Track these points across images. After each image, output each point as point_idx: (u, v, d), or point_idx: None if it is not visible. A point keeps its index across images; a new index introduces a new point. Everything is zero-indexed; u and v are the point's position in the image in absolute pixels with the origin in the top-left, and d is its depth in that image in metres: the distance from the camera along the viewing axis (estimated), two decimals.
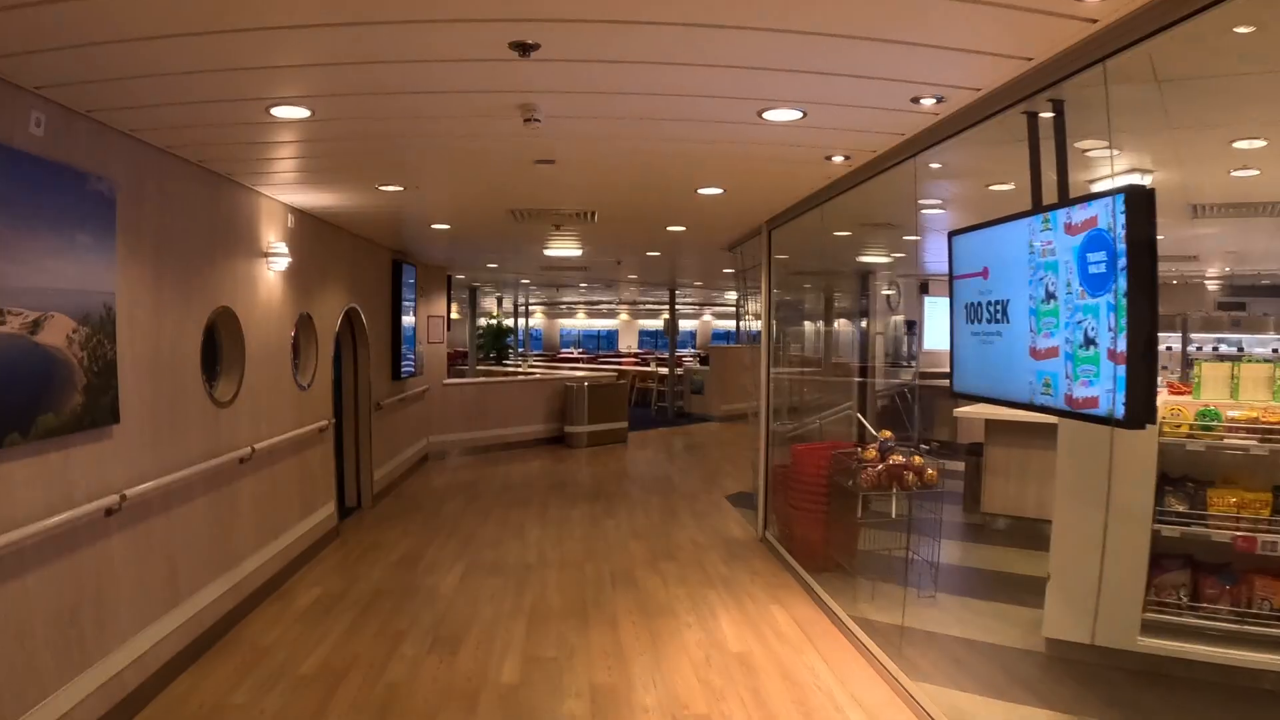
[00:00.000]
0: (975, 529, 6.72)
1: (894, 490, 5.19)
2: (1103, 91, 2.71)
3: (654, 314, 36.64)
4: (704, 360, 18.92)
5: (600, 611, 4.95)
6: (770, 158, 4.07)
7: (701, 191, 4.85)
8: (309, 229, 6.01)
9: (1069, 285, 2.71)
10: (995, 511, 6.83)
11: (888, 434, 5.43)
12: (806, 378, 9.95)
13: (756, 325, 7.06)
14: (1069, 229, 2.70)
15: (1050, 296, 2.82)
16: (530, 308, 31.15)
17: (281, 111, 3.17)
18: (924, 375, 11.76)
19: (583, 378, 12.15)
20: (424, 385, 10.06)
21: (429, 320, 10.41)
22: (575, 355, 28.45)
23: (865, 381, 10.85)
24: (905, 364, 11.85)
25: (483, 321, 20.83)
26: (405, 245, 8.46)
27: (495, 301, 23.23)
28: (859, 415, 5.55)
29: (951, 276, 3.69)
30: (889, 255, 9.17)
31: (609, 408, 11.79)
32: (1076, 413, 2.70)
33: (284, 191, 5.12)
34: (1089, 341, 2.60)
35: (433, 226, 6.55)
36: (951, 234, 3.67)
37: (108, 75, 2.69)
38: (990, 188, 5.25)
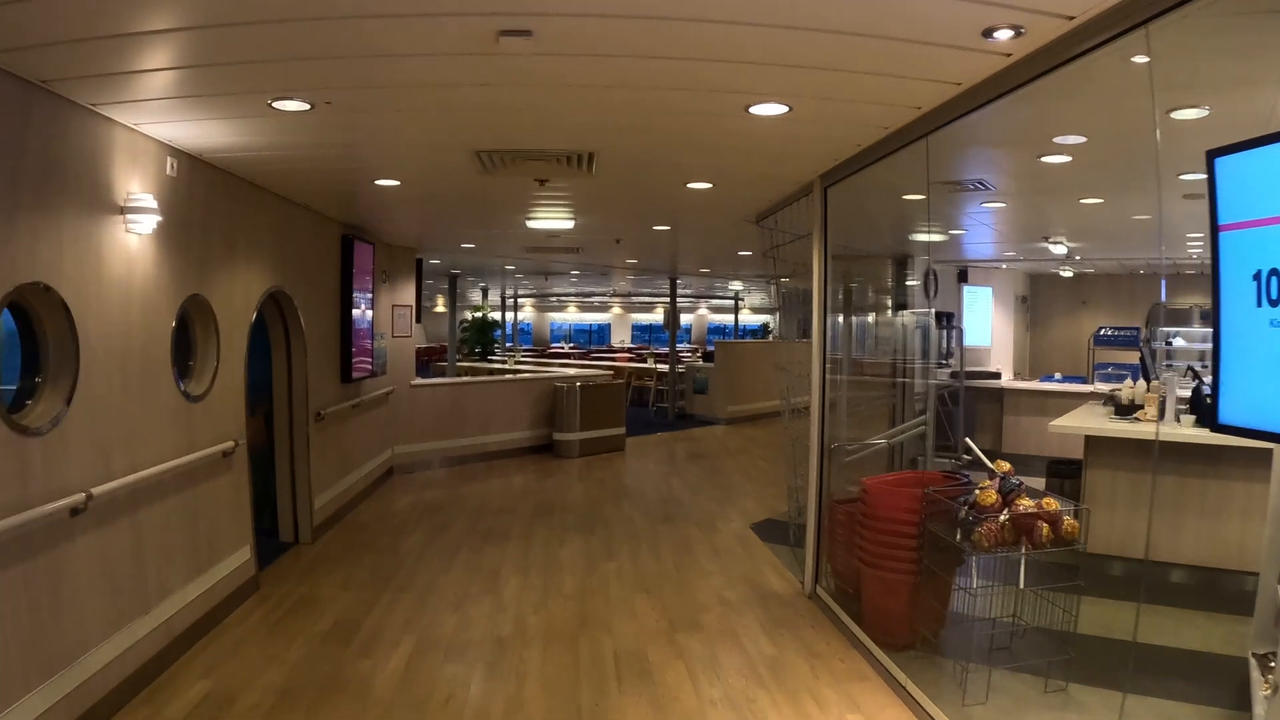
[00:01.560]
0: (1068, 572, 5.23)
1: (1023, 550, 3.67)
2: None
3: (648, 307, 35.10)
4: (707, 356, 17.38)
5: None
6: (857, 66, 2.59)
7: (756, 110, 3.29)
8: (206, 182, 4.42)
9: None
10: (1103, 552, 5.30)
11: (1006, 466, 3.89)
12: (845, 379, 8.41)
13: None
14: None
15: None
16: (519, 300, 29.55)
17: None
18: (958, 374, 10.27)
19: (574, 377, 10.58)
20: (387, 387, 8.48)
21: (394, 310, 8.81)
22: (566, 351, 26.86)
23: (903, 383, 9.35)
24: (943, 362, 10.34)
25: (468, 314, 19.21)
26: (359, 217, 6.86)
27: (481, 293, 21.62)
28: (968, 441, 4.02)
29: (1216, 227, 2.15)
30: (944, 233, 7.64)
31: (604, 411, 10.24)
32: None
33: (154, 120, 3.54)
34: None
35: (377, 183, 4.97)
36: (1215, 154, 2.13)
37: None
38: (1042, 159, 3.75)
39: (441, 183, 4.99)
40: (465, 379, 9.74)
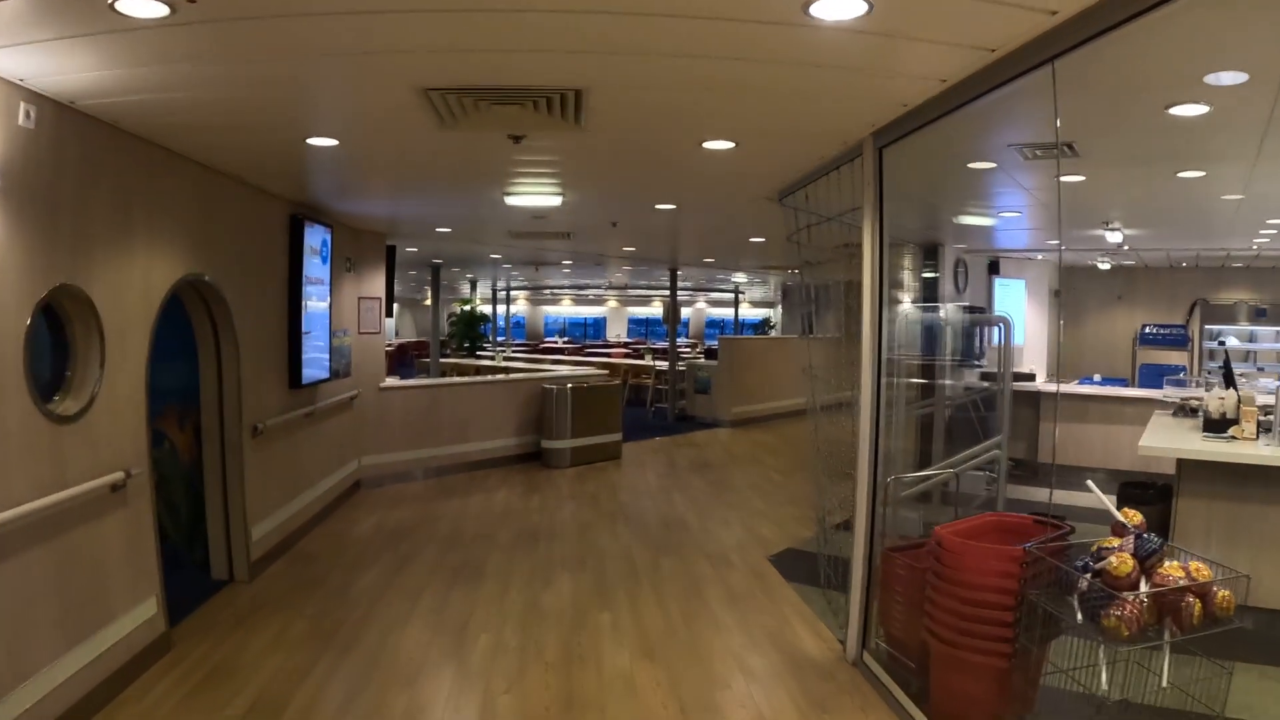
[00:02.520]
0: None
1: (1167, 635, 2.68)
2: None
3: (645, 300, 34.09)
4: (709, 353, 16.37)
5: None
6: None
7: (818, 13, 2.26)
8: (82, 138, 3.39)
9: None
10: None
11: (1137, 518, 2.90)
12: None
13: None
14: None
15: None
16: (511, 293, 28.50)
17: None
18: (989, 375, 9.29)
19: (565, 377, 9.56)
20: (351, 391, 7.46)
21: (361, 304, 7.78)
22: (559, 345, 25.81)
23: (935, 385, 8.37)
24: (975, 362, 9.35)
25: (456, 308, 18.12)
26: (309, 193, 5.83)
27: (470, 284, 20.57)
28: (1090, 483, 3.01)
29: None
30: (994, 214, 6.62)
31: (599, 416, 9.23)
32: None
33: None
34: None
35: (311, 143, 3.94)
36: None
37: None
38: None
39: (390, 142, 3.95)
40: (442, 380, 8.72)
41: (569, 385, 8.97)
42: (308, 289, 6.07)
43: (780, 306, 28.57)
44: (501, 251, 10.65)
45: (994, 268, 9.95)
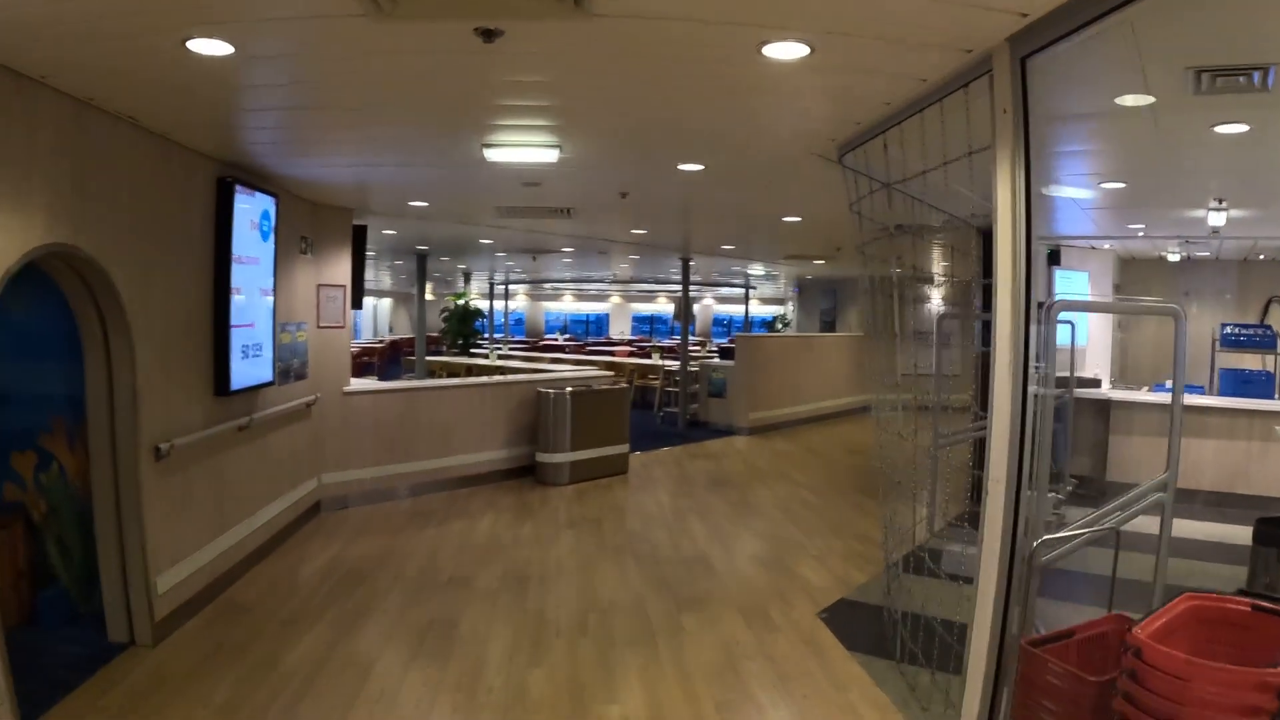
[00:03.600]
0: None
1: None
2: None
3: (650, 296, 32.86)
4: (724, 353, 15.15)
5: None
6: None
7: None
8: None
9: None
10: None
11: None
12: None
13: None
14: None
15: None
16: (510, 288, 27.27)
17: None
18: (1059, 383, 8.07)
19: (564, 380, 8.35)
20: (307, 396, 6.25)
21: (320, 293, 6.58)
22: (560, 343, 24.58)
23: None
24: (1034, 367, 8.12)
25: (451, 302, 16.85)
26: (241, 147, 4.61)
27: (464, 277, 19.36)
28: None
29: None
30: (1093, 183, 5.37)
31: (602, 424, 8.02)
32: None
33: None
34: None
35: (192, 48, 2.71)
36: None
37: None
38: None
39: (307, 43, 2.73)
40: (419, 383, 7.48)
41: (568, 389, 7.75)
42: (241, 271, 4.85)
43: (791, 303, 27.36)
44: (493, 236, 9.44)
45: (1054, 258, 8.73)
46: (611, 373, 9.66)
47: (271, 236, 5.33)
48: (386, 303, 31.77)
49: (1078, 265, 8.95)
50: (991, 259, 2.89)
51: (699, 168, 4.70)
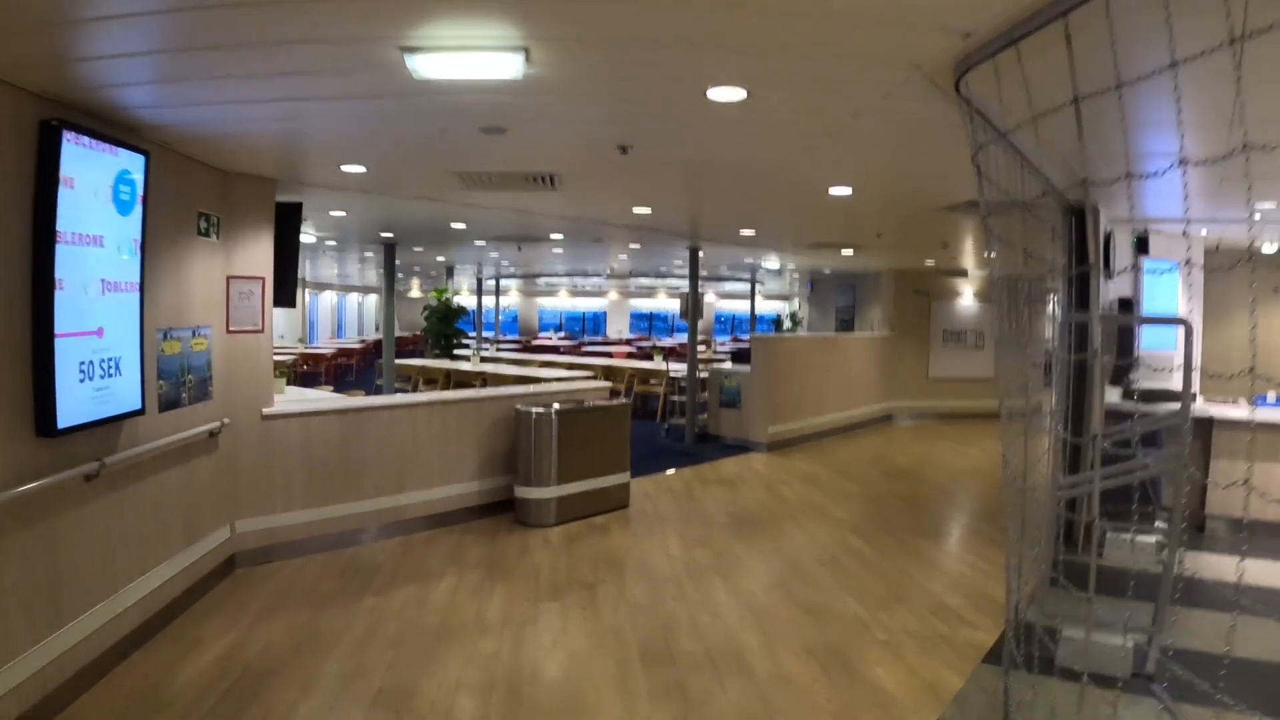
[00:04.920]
0: None
1: None
2: None
3: (649, 292, 31.36)
4: (737, 356, 13.66)
5: None
6: None
7: None
8: None
9: None
10: None
11: None
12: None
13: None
14: None
15: None
16: (500, 284, 25.77)
17: None
18: (1149, 396, 6.60)
19: (550, 395, 6.86)
20: (209, 423, 4.77)
21: (230, 287, 5.09)
22: (554, 342, 23.05)
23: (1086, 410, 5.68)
24: (1127, 379, 6.65)
25: (434, 299, 15.29)
26: (79, 77, 3.12)
27: (446, 271, 17.83)
28: None
29: None
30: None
31: (598, 449, 6.54)
32: None
33: None
34: None
35: None
36: None
37: None
38: None
39: None
40: (365, 402, 5.93)
41: (554, 407, 6.26)
42: (75, 257, 3.36)
43: (796, 300, 25.82)
44: (466, 219, 7.93)
45: (1142, 245, 7.25)
46: (609, 383, 8.19)
47: (137, 209, 3.83)
48: (372, 299, 30.22)
49: (1165, 253, 7.47)
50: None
51: (739, 95, 3.16)
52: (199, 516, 4.72)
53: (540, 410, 6.19)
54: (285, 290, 5.72)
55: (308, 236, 9.43)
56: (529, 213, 7.12)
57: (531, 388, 6.97)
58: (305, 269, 19.45)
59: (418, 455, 6.05)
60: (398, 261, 15.93)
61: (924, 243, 9.06)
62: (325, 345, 20.91)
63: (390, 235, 9.30)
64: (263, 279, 5.26)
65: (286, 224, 5.71)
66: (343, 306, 28.17)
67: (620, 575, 5.15)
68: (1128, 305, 6.94)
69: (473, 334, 21.27)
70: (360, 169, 4.95)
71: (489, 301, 25.64)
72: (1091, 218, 6.03)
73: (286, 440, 5.41)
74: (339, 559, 5.43)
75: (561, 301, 33.09)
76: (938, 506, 7.42)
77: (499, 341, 21.46)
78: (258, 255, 5.24)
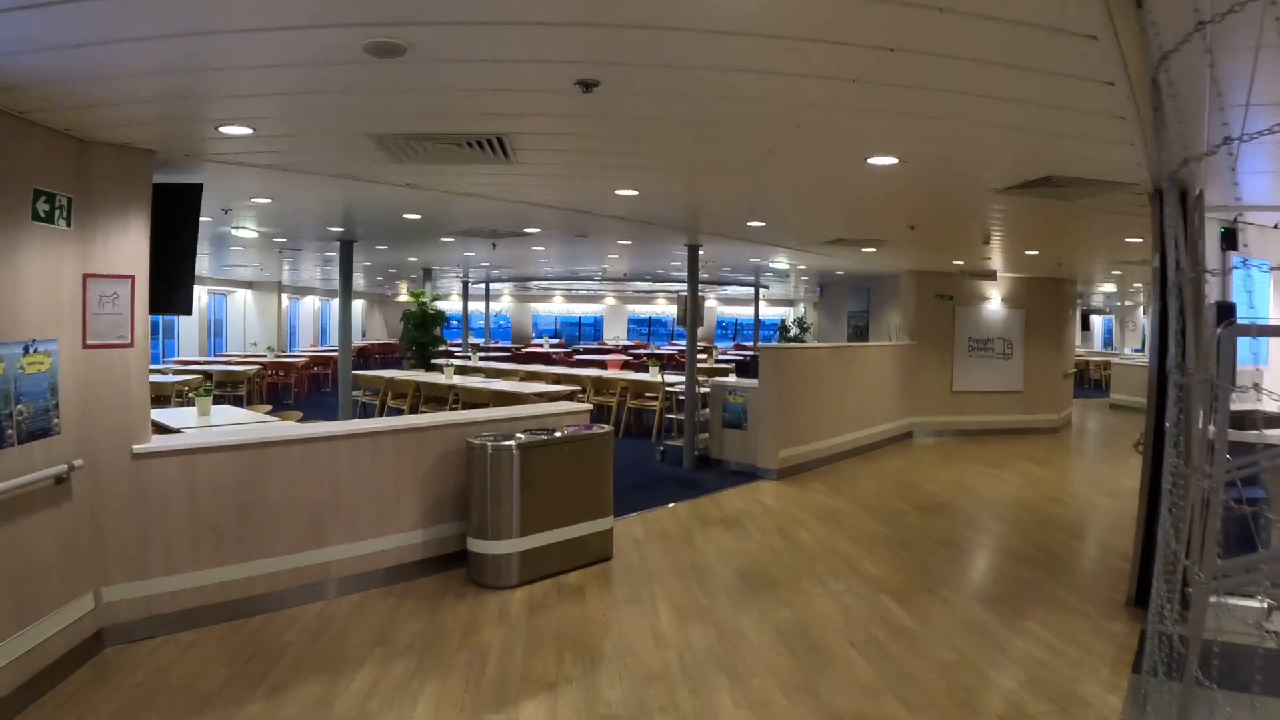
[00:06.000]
0: None
1: None
2: None
3: (647, 297, 30.20)
4: (742, 369, 12.46)
5: None
6: None
7: None
8: None
9: None
10: None
11: None
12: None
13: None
14: None
15: None
16: (496, 289, 24.60)
17: None
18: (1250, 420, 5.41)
19: (514, 423, 5.67)
20: (54, 466, 3.58)
21: (87, 287, 3.90)
22: (546, 350, 21.83)
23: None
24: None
25: (415, 304, 14.09)
26: None
27: (424, 273, 16.62)
28: None
29: None
30: None
31: (573, 491, 5.34)
32: None
33: None
34: None
35: None
36: None
37: None
38: None
39: None
40: (272, 434, 4.66)
41: (517, 439, 5.06)
42: None
43: (803, 305, 24.63)
44: (419, 208, 6.74)
45: (1229, 240, 6.06)
46: (596, 399, 6.98)
47: None
48: (359, 304, 29.07)
49: (1258, 250, 6.29)
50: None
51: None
52: (40, 588, 3.54)
53: (499, 444, 4.98)
54: (178, 294, 4.54)
55: (248, 232, 8.25)
56: (492, 199, 5.93)
57: (489, 413, 5.77)
58: (283, 273, 18.25)
59: (342, 500, 4.85)
60: (368, 263, 14.80)
61: (962, 237, 7.83)
62: (299, 354, 19.67)
63: (341, 230, 8.11)
64: (132, 278, 4.06)
65: (178, 210, 4.54)
66: (326, 312, 27.01)
67: (593, 670, 3.94)
68: (1226, 311, 5.74)
69: (457, 342, 20.09)
70: (245, 130, 3.74)
71: (480, 307, 24.45)
72: (1196, 206, 4.85)
73: (166, 484, 4.21)
74: (239, 633, 4.23)
75: (557, 307, 31.93)
76: (986, 554, 6.20)
77: (486, 349, 20.27)
78: (126, 248, 4.05)
